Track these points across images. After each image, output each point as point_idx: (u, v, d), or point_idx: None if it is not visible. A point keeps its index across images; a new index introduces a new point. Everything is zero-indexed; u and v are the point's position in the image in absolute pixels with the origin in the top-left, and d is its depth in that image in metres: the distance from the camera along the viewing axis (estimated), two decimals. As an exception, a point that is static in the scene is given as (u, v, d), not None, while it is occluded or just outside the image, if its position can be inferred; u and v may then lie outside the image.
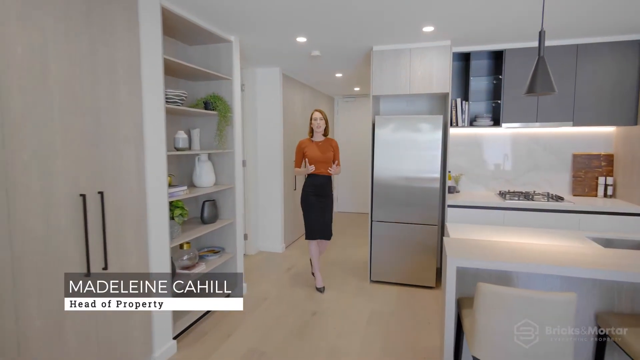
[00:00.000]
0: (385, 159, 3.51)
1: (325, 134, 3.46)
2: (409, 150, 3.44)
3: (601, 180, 3.54)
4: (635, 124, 3.18)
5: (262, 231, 4.72)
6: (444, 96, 3.68)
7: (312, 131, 3.45)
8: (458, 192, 3.86)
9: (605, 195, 3.51)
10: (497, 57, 3.61)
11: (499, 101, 3.48)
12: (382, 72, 3.52)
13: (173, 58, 2.50)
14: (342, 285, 3.63)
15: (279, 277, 3.87)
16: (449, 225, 2.38)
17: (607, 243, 2.24)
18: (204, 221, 3.00)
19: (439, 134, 3.37)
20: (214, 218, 3.04)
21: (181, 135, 2.66)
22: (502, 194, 3.58)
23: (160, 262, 2.33)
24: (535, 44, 3.33)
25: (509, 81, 3.40)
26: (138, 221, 2.11)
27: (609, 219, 3.07)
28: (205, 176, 3.00)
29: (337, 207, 7.40)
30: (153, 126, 2.22)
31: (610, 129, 3.55)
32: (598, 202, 3.32)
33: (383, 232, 3.59)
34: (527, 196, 3.42)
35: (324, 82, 5.69)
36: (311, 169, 3.27)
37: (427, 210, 3.45)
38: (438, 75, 3.38)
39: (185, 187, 2.64)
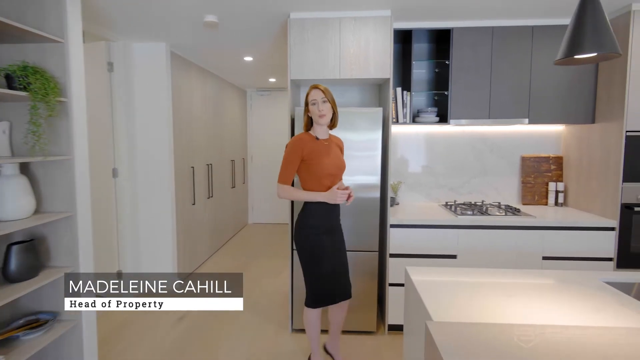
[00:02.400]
0: (309, 165, 2.61)
1: (333, 126, 2.13)
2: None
3: (552, 186, 3.10)
4: (593, 122, 2.76)
5: (146, 263, 3.48)
6: (383, 84, 2.91)
7: (310, 122, 2.09)
8: (397, 204, 3.14)
9: (556, 203, 3.08)
10: (439, 41, 2.96)
11: (445, 92, 2.81)
12: (303, 49, 2.61)
13: None
14: (252, 340, 2.64)
15: (163, 335, 2.73)
16: (411, 272, 1.55)
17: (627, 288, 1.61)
18: (9, 278, 1.76)
19: (378, 132, 2.58)
20: (32, 270, 1.82)
21: None
22: (450, 207, 2.94)
23: None
24: (489, 23, 2.74)
25: (457, 68, 2.75)
26: None
27: (572, 235, 2.58)
28: (12, 201, 1.77)
29: (251, 218, 6.35)
30: None
31: (559, 128, 3.13)
32: (549, 212, 2.86)
33: (309, 263, 2.69)
34: (480, 209, 2.81)
35: (231, 70, 4.61)
36: (344, 194, 1.99)
37: (364, 231, 2.64)
38: (376, 55, 2.58)
39: (-55, 229, 1.41)
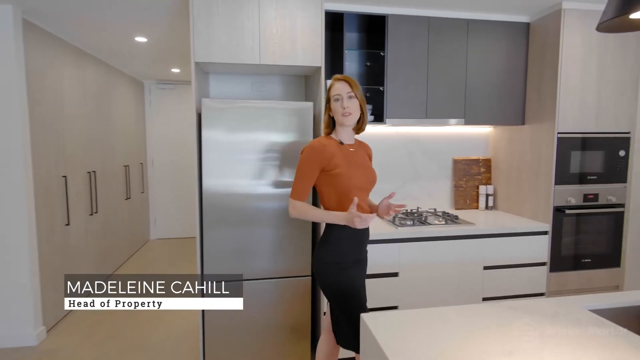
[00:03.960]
0: (220, 169, 2.05)
1: (360, 130, 1.72)
2: (260, 156, 2.08)
3: (482, 189, 3.00)
4: (523, 123, 2.70)
5: (-7, 311, 2.51)
6: (312, 75, 2.46)
7: (331, 123, 1.69)
8: (329, 215, 2.73)
9: (486, 207, 2.99)
10: (371, 30, 2.64)
11: (380, 87, 2.49)
12: (212, 24, 2.04)
13: None
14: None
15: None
16: (371, 326, 1.12)
17: (613, 314, 1.41)
18: None
19: (309, 133, 2.13)
20: None
21: None
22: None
23: None
24: (426, 12, 2.48)
25: (393, 61, 2.45)
26: None
27: (509, 241, 2.45)
28: None
29: (153, 233, 5.42)
30: None
31: (487, 129, 3.05)
32: (481, 216, 2.74)
33: (225, 297, 2.12)
34: (420, 219, 2.55)
35: (122, 54, 3.73)
36: (368, 219, 1.45)
37: (293, 253, 2.18)
38: (305, 38, 2.13)
39: None
